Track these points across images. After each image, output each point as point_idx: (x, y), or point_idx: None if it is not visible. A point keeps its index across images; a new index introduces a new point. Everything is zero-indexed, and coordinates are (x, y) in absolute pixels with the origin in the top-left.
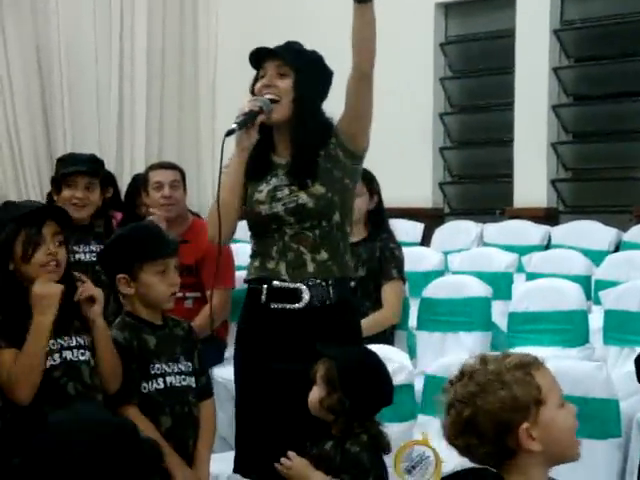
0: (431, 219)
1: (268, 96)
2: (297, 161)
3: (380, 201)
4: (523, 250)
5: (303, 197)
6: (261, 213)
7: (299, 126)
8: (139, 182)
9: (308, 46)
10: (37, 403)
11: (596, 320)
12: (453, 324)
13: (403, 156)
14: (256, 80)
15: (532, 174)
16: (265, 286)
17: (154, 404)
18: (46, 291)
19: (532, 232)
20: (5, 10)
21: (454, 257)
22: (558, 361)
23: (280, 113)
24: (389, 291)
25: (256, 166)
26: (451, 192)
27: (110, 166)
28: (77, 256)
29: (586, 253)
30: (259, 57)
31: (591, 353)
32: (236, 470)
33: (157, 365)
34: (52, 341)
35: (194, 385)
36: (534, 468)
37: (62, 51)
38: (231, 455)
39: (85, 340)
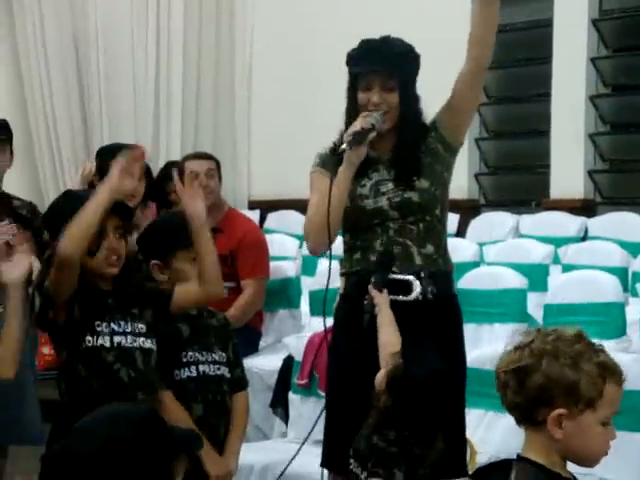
0: (467, 210)
1: (379, 113)
2: (402, 161)
3: None
4: (559, 242)
5: (409, 192)
6: (365, 208)
7: (404, 129)
8: (169, 169)
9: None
10: (90, 388)
11: (633, 312)
12: (488, 315)
13: None
14: (353, 85)
15: (569, 165)
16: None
17: (186, 391)
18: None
19: (569, 224)
20: (43, 0)
21: (489, 248)
22: None
23: (389, 123)
24: None
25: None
26: (487, 183)
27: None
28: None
29: (623, 245)
30: (359, 65)
31: (628, 345)
32: (324, 464)
33: (190, 353)
34: (105, 323)
35: (228, 375)
36: (549, 449)
37: (99, 41)
38: (265, 444)
39: (139, 327)
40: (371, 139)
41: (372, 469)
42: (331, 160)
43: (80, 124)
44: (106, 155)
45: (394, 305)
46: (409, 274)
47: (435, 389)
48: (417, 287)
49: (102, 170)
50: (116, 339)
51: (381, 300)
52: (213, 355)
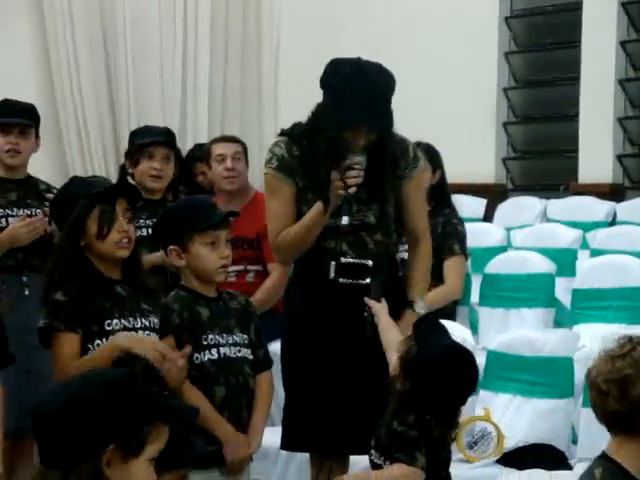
0: (494, 195)
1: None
2: (376, 182)
3: (443, 176)
4: (587, 226)
5: (370, 218)
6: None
7: (381, 153)
8: (197, 151)
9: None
10: None
11: None
12: (516, 300)
13: (466, 131)
14: (340, 128)
15: (597, 149)
16: (333, 262)
17: (208, 374)
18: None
19: (597, 208)
20: None
21: (517, 233)
22: None
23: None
24: (451, 266)
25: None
26: (514, 168)
27: None
28: (150, 230)
29: None
30: (345, 118)
31: None
32: (284, 446)
33: (210, 336)
34: (116, 321)
35: (250, 357)
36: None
37: (127, 26)
38: None
39: (151, 322)
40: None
41: (394, 454)
42: (290, 165)
43: (108, 109)
44: (133, 136)
45: (352, 288)
46: (365, 258)
47: (453, 366)
48: (372, 270)
49: (131, 152)
50: (127, 335)
51: (379, 308)
52: (234, 337)
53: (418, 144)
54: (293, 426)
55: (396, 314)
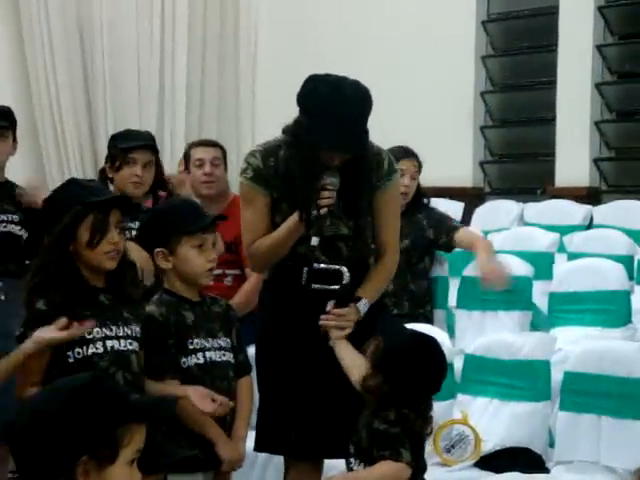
0: (471, 198)
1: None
2: (346, 211)
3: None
4: (565, 230)
5: (343, 229)
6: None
7: (356, 168)
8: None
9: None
10: None
11: (638, 300)
12: (493, 303)
13: (444, 135)
14: (314, 152)
15: (574, 153)
16: (305, 268)
17: (194, 378)
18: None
19: (574, 211)
20: None
21: (494, 236)
22: (599, 341)
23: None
24: (466, 232)
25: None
26: (492, 171)
27: None
28: (133, 232)
29: (628, 233)
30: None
31: (633, 333)
32: (257, 448)
33: (196, 340)
34: (96, 329)
35: (233, 361)
36: None
37: (104, 27)
38: None
39: (133, 330)
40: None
41: (379, 453)
42: (265, 176)
43: (85, 111)
44: (114, 140)
45: (324, 294)
46: (338, 263)
47: (422, 353)
48: (347, 276)
49: (112, 157)
50: (109, 343)
51: (335, 334)
52: (218, 341)
53: (412, 152)
54: (266, 428)
55: (370, 323)
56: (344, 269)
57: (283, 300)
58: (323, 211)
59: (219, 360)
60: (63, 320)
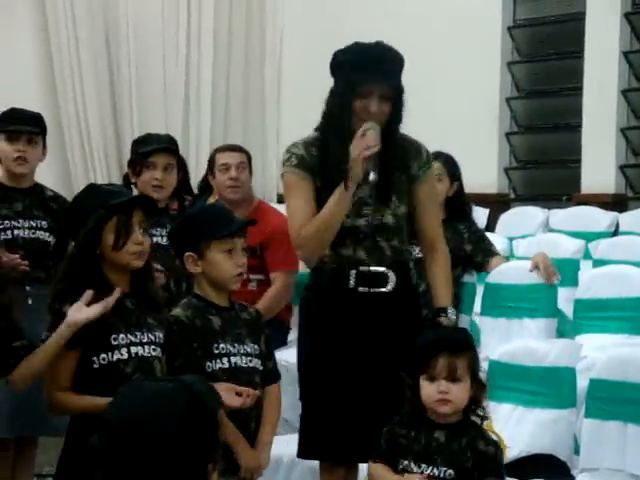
0: (496, 205)
1: (378, 130)
2: (385, 184)
3: (461, 189)
4: (590, 236)
5: (388, 217)
6: (343, 225)
7: (390, 141)
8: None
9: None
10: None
11: None
12: (518, 310)
13: (469, 141)
14: (351, 89)
15: (600, 159)
16: (353, 271)
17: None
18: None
19: (600, 218)
20: None
21: (519, 243)
22: (625, 348)
23: (376, 145)
24: (502, 261)
25: (341, 176)
26: (517, 177)
27: None
28: (155, 239)
29: None
30: (359, 73)
31: None
32: (301, 455)
33: (222, 345)
34: (122, 335)
35: (260, 367)
36: None
37: (130, 31)
38: (294, 437)
39: (156, 336)
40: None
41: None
42: (309, 163)
43: (110, 114)
44: (135, 144)
45: (370, 297)
46: (382, 266)
47: None
48: (392, 278)
49: (133, 162)
50: (133, 350)
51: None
52: (245, 347)
53: (438, 154)
54: (311, 435)
55: (409, 321)
56: (389, 272)
57: (327, 304)
58: (371, 150)
59: (244, 366)
60: (89, 293)
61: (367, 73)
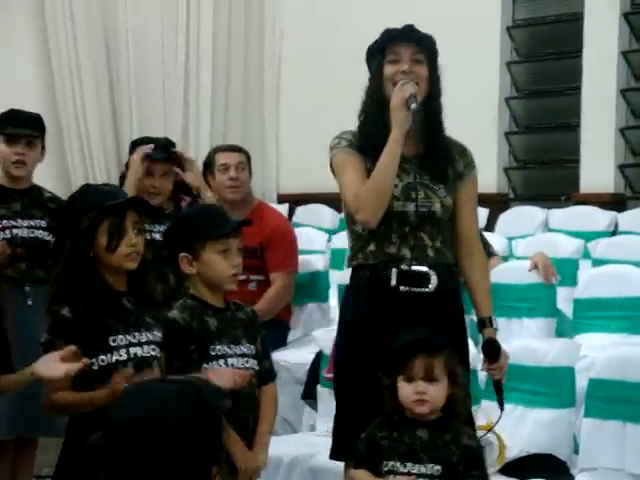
0: (496, 204)
1: (412, 84)
2: (433, 154)
3: None
4: (589, 236)
5: (436, 205)
6: (392, 208)
7: (434, 116)
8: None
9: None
10: None
11: None
12: (517, 310)
13: (468, 141)
14: (379, 64)
15: (599, 159)
16: (395, 270)
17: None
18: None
19: (599, 218)
20: None
21: (519, 242)
22: (624, 348)
23: (419, 96)
24: (499, 262)
25: (384, 143)
26: (516, 177)
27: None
28: (153, 235)
29: None
30: (388, 39)
31: None
32: (333, 457)
33: (218, 347)
34: (120, 336)
35: (257, 368)
36: None
37: (129, 34)
38: (294, 438)
39: (155, 336)
40: (416, 109)
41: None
42: (358, 146)
43: (110, 118)
44: (134, 149)
45: (411, 296)
46: (424, 266)
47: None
48: (434, 279)
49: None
50: (132, 350)
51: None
52: (241, 348)
53: None
54: (344, 436)
55: (451, 323)
56: (431, 272)
57: (370, 303)
58: (410, 91)
59: (241, 367)
60: (70, 349)
61: (395, 37)
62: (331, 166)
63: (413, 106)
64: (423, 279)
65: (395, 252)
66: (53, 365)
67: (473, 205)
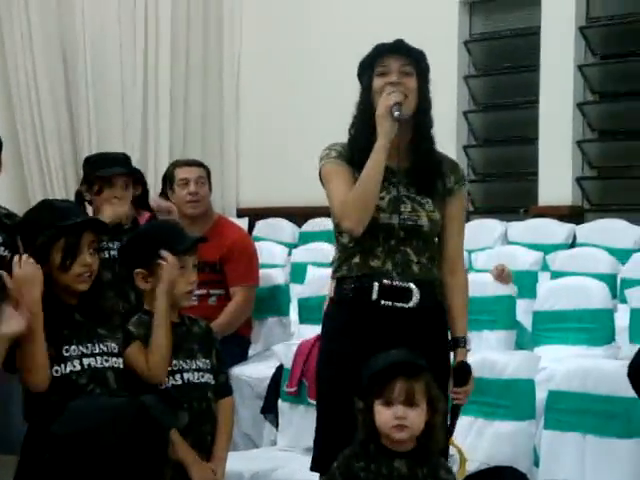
0: None
1: (399, 93)
2: (421, 167)
3: None
4: (548, 248)
5: (423, 220)
6: (378, 220)
7: (423, 129)
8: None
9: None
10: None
11: (622, 319)
12: (477, 322)
13: None
14: (369, 77)
15: (557, 172)
16: (377, 283)
17: (172, 400)
18: (28, 273)
19: (557, 230)
20: (31, 6)
21: (478, 255)
22: (583, 360)
23: (406, 111)
24: None
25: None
26: (475, 190)
27: (134, 164)
28: (112, 252)
29: (611, 251)
30: (377, 53)
31: (617, 352)
32: (314, 468)
33: (174, 361)
34: (73, 347)
35: (212, 382)
36: None
37: (87, 49)
38: (255, 453)
39: (108, 347)
40: (400, 118)
41: None
42: (348, 157)
43: (68, 132)
44: (92, 165)
45: (392, 311)
46: (408, 281)
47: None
48: (416, 294)
49: (87, 180)
50: (85, 361)
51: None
52: (197, 362)
53: None
54: (325, 449)
55: (432, 340)
56: (413, 286)
57: (351, 316)
58: (394, 100)
59: (197, 381)
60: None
61: (383, 50)
62: (320, 176)
63: (396, 114)
64: (405, 294)
65: (379, 266)
66: (11, 321)
67: (460, 221)
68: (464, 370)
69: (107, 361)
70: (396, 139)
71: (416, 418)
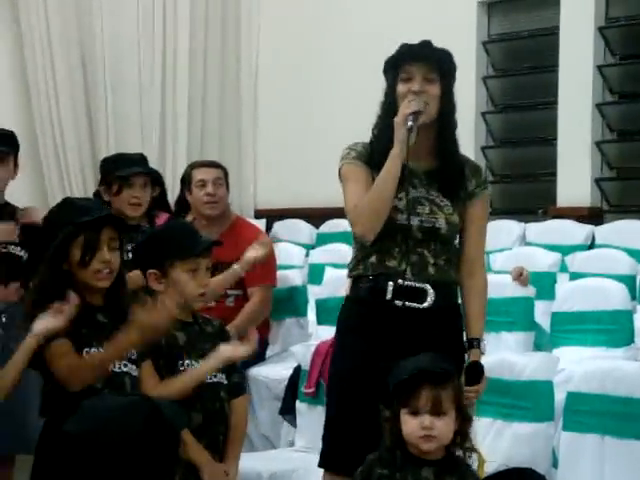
0: None
1: (421, 100)
2: (443, 170)
3: None
4: (566, 250)
5: (441, 222)
6: (395, 221)
7: (446, 132)
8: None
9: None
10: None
11: None
12: (495, 324)
13: None
14: (394, 79)
15: (576, 173)
16: (391, 283)
17: (184, 400)
18: (159, 325)
19: (576, 231)
20: (50, 9)
21: (496, 257)
22: (602, 361)
23: (428, 116)
24: None
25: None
26: (493, 191)
27: (152, 165)
28: (130, 255)
29: (630, 252)
30: (401, 57)
31: (636, 353)
32: (322, 465)
33: (186, 361)
34: (94, 349)
35: (225, 382)
36: None
37: (106, 49)
38: (273, 453)
39: (130, 353)
40: (419, 125)
41: None
42: (367, 157)
43: (86, 133)
44: (110, 165)
45: (406, 311)
46: (423, 282)
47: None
48: (431, 296)
49: (105, 180)
50: None
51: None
52: None
53: None
54: (335, 447)
55: (447, 341)
56: (428, 287)
57: (365, 315)
58: (413, 108)
59: (209, 381)
60: (56, 305)
61: (408, 55)
62: (339, 176)
63: (409, 124)
64: (419, 295)
65: (395, 266)
66: (48, 319)
67: (482, 225)
68: (476, 370)
69: (125, 366)
70: (419, 140)
71: (444, 427)
